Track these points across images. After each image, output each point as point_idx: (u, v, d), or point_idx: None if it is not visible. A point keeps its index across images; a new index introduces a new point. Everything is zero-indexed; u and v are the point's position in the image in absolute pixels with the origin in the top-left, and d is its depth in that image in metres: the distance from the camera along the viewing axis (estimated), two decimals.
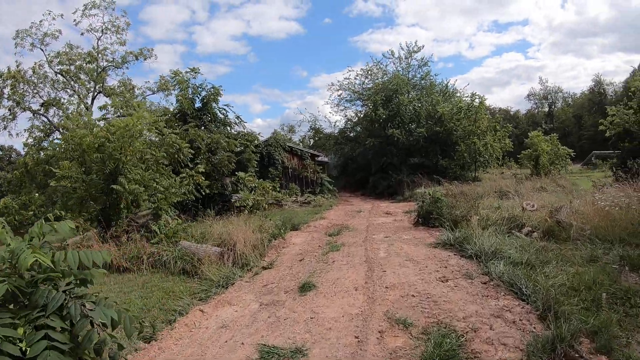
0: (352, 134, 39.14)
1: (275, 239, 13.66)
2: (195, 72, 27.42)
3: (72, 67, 39.32)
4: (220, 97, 26.37)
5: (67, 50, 38.86)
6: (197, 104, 26.46)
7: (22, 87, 38.41)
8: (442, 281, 8.05)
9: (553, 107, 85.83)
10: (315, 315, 6.90)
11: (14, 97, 37.08)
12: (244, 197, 15.45)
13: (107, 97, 38.84)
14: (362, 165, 36.50)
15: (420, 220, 14.84)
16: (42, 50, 38.96)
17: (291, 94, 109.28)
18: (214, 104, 26.02)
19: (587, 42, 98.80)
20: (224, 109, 26.71)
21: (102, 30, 39.45)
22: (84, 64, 38.56)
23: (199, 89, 26.41)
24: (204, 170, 17.44)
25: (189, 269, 10.89)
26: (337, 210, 22.94)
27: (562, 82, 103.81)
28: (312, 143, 43.62)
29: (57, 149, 14.63)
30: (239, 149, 25.47)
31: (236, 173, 16.84)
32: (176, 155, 17.61)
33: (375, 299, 7.35)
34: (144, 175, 14.62)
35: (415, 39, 72.84)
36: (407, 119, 31.36)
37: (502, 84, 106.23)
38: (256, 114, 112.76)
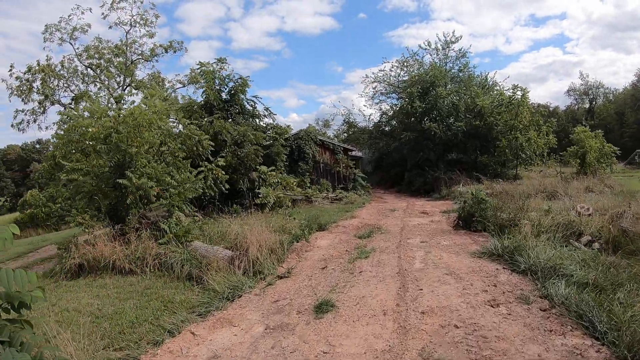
0: (387, 128, 37.33)
1: (298, 241, 12.22)
2: (223, 63, 26.27)
3: (102, 61, 38.98)
4: (248, 88, 25.17)
5: (97, 44, 38.49)
6: (225, 96, 25.33)
7: (52, 80, 38.36)
8: (492, 305, 6.43)
9: (594, 103, 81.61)
10: (331, 350, 5.45)
11: (44, 91, 36.89)
12: (265, 194, 13.99)
13: (136, 90, 38.27)
14: (397, 161, 34.72)
15: (460, 222, 13.11)
16: (71, 44, 38.72)
17: (327, 89, 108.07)
18: (241, 95, 24.79)
19: (626, 36, 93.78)
20: (252, 101, 25.50)
21: (130, 24, 38.86)
22: (113, 57, 38.02)
23: (226, 80, 25.24)
24: (224, 164, 16.11)
25: (195, 275, 9.67)
26: (370, 208, 21.35)
27: (601, 78, 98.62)
28: (345, 137, 41.93)
29: (58, 140, 13.50)
30: (267, 142, 24.21)
31: (257, 168, 15.41)
32: (195, 148, 16.36)
33: (409, 330, 5.82)
34: (157, 168, 13.40)
35: (453, 29, 69.62)
36: (445, 112, 29.38)
37: (539, 80, 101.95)
38: (292, 108, 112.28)
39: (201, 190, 15.10)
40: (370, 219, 16.87)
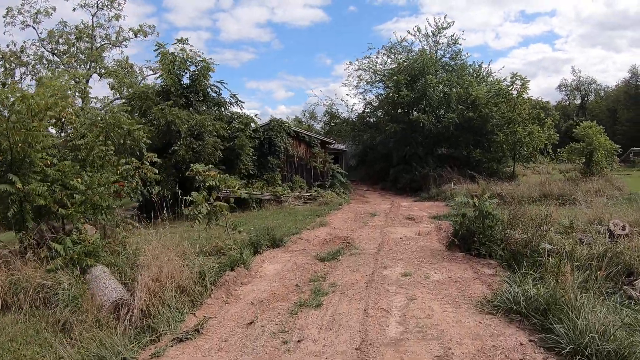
0: (372, 120, 33.83)
1: (234, 269, 8.67)
2: (183, 43, 22.64)
3: (67, 46, 35.12)
4: (212, 72, 21.51)
5: (61, 28, 34.61)
6: (186, 81, 21.72)
7: (15, 67, 34.51)
8: None
9: (586, 99, 78.79)
10: None
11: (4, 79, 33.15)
12: (196, 201, 10.43)
13: (100, 77, 34.49)
14: (382, 155, 31.31)
15: (456, 241, 9.60)
16: (34, 28, 34.85)
17: (315, 82, 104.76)
18: (203, 81, 21.15)
19: (616, 35, 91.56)
20: (217, 87, 21.86)
21: (97, 5, 34.96)
22: (76, 42, 34.15)
23: (188, 63, 21.59)
24: (156, 161, 12.52)
25: (70, 324, 6.31)
26: (347, 211, 17.90)
27: (591, 75, 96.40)
28: (327, 129, 38.29)
29: None
30: (231, 134, 20.69)
31: (192, 165, 11.85)
32: (122, 141, 12.75)
33: None
34: (66, 167, 9.77)
35: (444, 14, 65.89)
36: (435, 102, 25.92)
37: (528, 76, 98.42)
38: (280, 100, 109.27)
39: (120, 197, 11.50)
40: (343, 228, 13.42)
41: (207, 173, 10.86)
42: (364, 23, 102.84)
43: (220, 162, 20.41)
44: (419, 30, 32.47)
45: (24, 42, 34.23)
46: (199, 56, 21.69)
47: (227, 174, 20.17)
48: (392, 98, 26.26)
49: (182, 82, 21.31)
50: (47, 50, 34.77)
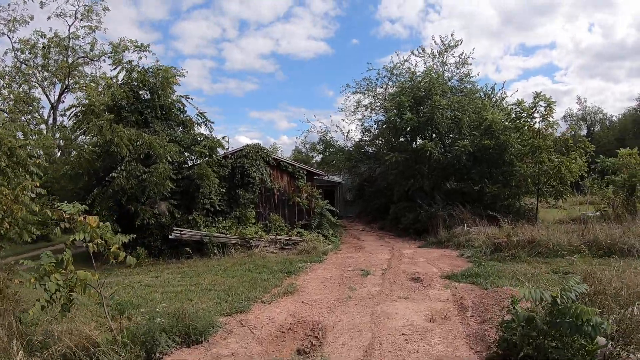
0: (370, 150, 29.25)
1: None
2: (144, 50, 18.49)
3: (43, 59, 31.20)
4: (174, 84, 17.19)
5: (37, 38, 30.71)
6: (145, 95, 17.40)
7: None
8: None
9: (592, 129, 74.77)
10: None
11: None
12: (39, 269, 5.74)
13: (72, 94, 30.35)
14: (381, 190, 26.74)
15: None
16: (9, 37, 31.00)
17: (316, 113, 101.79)
18: (161, 94, 16.81)
19: (614, 65, 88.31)
20: (180, 102, 17.49)
21: (75, 15, 31.07)
22: (48, 51, 30.16)
23: (148, 74, 17.30)
24: (40, 192, 8.14)
25: None
26: (331, 265, 13.29)
27: (596, 105, 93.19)
28: (321, 159, 33.72)
29: None
30: (188, 158, 16.32)
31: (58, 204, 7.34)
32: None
33: None
34: None
35: (452, 31, 61.96)
36: (444, 127, 21.46)
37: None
38: (282, 131, 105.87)
39: None
40: (316, 301, 8.76)
41: (78, 219, 6.20)
42: (366, 55, 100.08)
43: (177, 195, 15.92)
44: (423, 50, 28.43)
45: None
46: (160, 67, 17.45)
47: (177, 211, 15.82)
48: (393, 122, 21.76)
49: (139, 96, 17.01)
50: (19, 62, 30.87)
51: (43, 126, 30.17)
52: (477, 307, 7.49)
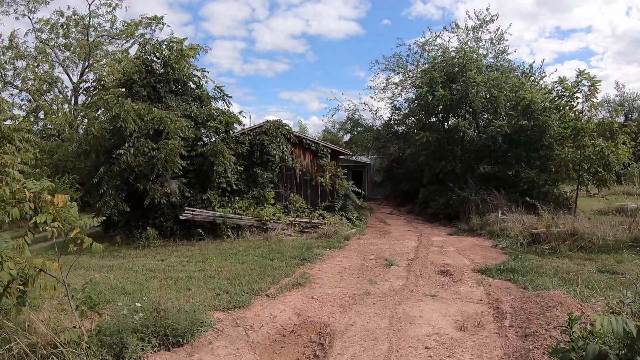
0: (400, 129, 27.60)
1: None
2: (158, 23, 17.44)
3: (61, 39, 30.59)
4: (190, 57, 16.13)
5: (57, 18, 30.06)
6: (159, 69, 16.40)
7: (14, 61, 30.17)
8: None
9: (630, 116, 70.65)
10: None
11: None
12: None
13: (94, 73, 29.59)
14: (410, 172, 25.17)
15: None
16: (29, 18, 30.49)
17: (348, 94, 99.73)
18: (175, 67, 15.75)
19: None
20: (196, 76, 16.43)
21: None
22: (69, 30, 29.47)
23: (162, 46, 16.28)
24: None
25: None
26: (352, 252, 12.10)
27: (635, 91, 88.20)
28: (349, 139, 32.20)
29: None
30: (204, 135, 15.35)
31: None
32: None
33: None
34: None
35: (487, 5, 58.63)
36: (479, 106, 19.73)
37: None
38: (313, 112, 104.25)
39: None
40: (329, 297, 7.60)
41: (44, 198, 5.13)
42: (398, 36, 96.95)
43: (191, 173, 14.95)
44: (457, 25, 26.40)
45: (14, 30, 29.53)
46: (174, 39, 16.36)
47: (188, 190, 14.83)
48: (424, 99, 20.14)
49: (153, 70, 15.99)
50: (40, 41, 30.35)
51: (66, 105, 29.63)
52: (516, 314, 6.17)
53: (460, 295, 7.64)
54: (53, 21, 29.82)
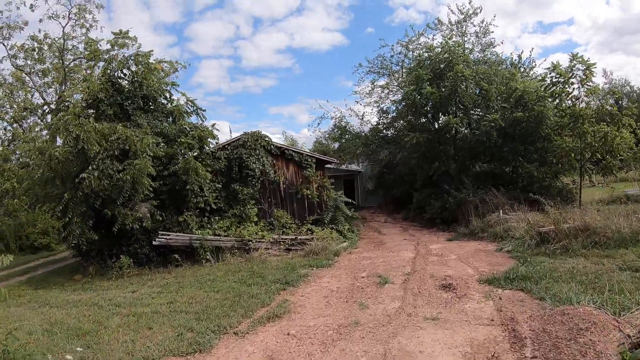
0: (389, 133, 26.36)
1: None
2: (125, 38, 16.34)
3: (38, 65, 29.33)
4: (158, 72, 14.97)
5: (33, 43, 28.79)
6: (128, 86, 15.24)
7: None
8: None
9: (620, 102, 69.97)
10: None
11: None
12: None
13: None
14: (403, 176, 23.99)
15: None
16: (4, 45, 29.22)
17: (335, 103, 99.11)
18: (143, 83, 14.58)
19: (635, 39, 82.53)
20: (167, 91, 15.26)
21: (68, 17, 28.93)
22: (41, 55, 28.24)
23: (129, 62, 15.12)
24: None
25: None
26: (341, 270, 10.84)
27: (624, 77, 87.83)
28: (337, 147, 30.87)
29: None
30: (178, 152, 14.10)
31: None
32: None
33: None
34: None
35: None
36: (470, 101, 18.54)
37: None
38: (303, 124, 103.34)
39: None
40: (306, 336, 6.29)
41: None
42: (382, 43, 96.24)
43: (164, 194, 13.70)
44: (439, 21, 25.30)
45: None
46: (140, 53, 15.21)
47: (158, 213, 13.55)
48: (412, 98, 18.93)
49: (120, 88, 14.78)
50: (15, 68, 29.09)
51: (45, 132, 28.32)
52: (539, 340, 4.91)
53: (467, 314, 6.39)
54: (27, 46, 28.63)
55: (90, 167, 12.01)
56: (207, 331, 6.43)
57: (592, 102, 17.40)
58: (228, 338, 6.19)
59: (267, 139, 16.02)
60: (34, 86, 29.59)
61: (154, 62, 15.37)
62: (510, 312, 6.18)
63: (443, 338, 5.48)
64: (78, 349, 5.63)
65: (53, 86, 29.89)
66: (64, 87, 29.23)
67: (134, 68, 15.01)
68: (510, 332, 5.42)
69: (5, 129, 27.55)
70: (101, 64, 15.74)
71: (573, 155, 16.49)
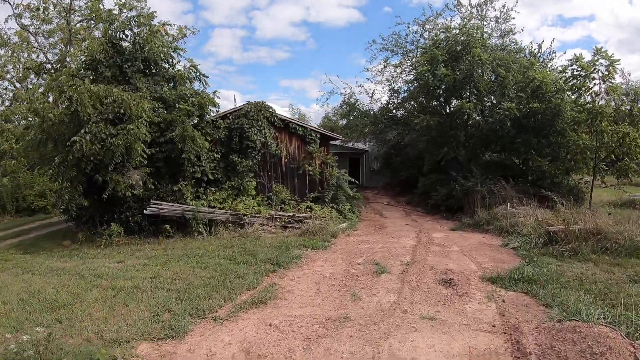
0: (399, 114, 25.56)
1: None
2: None
3: (45, 25, 28.52)
4: (160, 33, 14.30)
5: (37, 1, 27.93)
6: (129, 47, 14.54)
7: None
8: None
9: (636, 104, 68.00)
10: None
11: None
12: None
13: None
14: (410, 159, 23.34)
15: None
16: (9, 3, 28.37)
17: (349, 81, 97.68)
18: (145, 45, 13.91)
19: None
20: (169, 55, 14.59)
21: None
22: (46, 14, 27.42)
23: (131, 23, 14.44)
24: None
25: None
26: (337, 253, 10.32)
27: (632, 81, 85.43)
28: (344, 124, 29.98)
29: None
30: (177, 117, 13.49)
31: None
32: None
33: None
34: None
35: None
36: (485, 87, 17.72)
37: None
38: (314, 99, 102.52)
39: None
40: (289, 329, 5.75)
41: None
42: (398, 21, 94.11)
43: (160, 162, 13.17)
44: (459, 2, 24.15)
45: None
46: (142, 14, 14.50)
47: (151, 181, 13.02)
48: (425, 79, 18.15)
49: (121, 50, 14.09)
50: (20, 27, 28.32)
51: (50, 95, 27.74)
52: (545, 357, 4.39)
53: (467, 316, 5.86)
54: (33, 5, 27.80)
55: (82, 131, 11.44)
56: (185, 314, 5.97)
57: (612, 101, 16.62)
58: (205, 324, 5.71)
59: (270, 109, 15.33)
60: (38, 47, 28.88)
61: (157, 24, 14.65)
62: (514, 318, 5.64)
63: (439, 344, 4.96)
64: (38, 329, 5.16)
65: (58, 47, 29.22)
66: (69, 48, 28.53)
67: (136, 29, 14.33)
68: (514, 343, 4.89)
69: (6, 88, 27.01)
70: (102, 25, 14.96)
71: (588, 153, 15.72)
